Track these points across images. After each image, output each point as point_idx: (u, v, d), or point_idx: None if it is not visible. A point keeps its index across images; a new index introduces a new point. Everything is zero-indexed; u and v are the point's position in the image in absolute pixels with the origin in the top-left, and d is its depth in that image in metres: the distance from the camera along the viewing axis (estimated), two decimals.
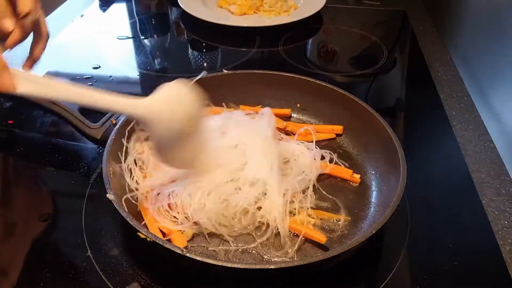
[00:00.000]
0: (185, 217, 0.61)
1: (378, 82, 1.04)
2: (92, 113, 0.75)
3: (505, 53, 0.85)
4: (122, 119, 0.69)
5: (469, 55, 1.02)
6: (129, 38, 1.20)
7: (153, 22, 1.30)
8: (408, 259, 0.61)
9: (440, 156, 0.81)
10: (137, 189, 0.63)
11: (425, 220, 0.67)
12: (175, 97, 0.55)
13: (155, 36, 1.24)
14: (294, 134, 0.77)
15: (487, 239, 0.64)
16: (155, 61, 1.12)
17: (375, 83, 1.04)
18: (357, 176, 0.71)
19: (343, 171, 0.72)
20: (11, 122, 0.86)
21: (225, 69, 0.85)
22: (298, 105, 0.84)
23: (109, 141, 0.65)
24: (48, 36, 0.67)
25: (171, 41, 1.22)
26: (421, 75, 1.04)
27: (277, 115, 0.80)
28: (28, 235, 0.63)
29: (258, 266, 0.51)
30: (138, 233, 0.52)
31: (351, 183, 0.71)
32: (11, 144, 0.80)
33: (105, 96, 0.52)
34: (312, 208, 0.65)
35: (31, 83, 0.48)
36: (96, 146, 0.76)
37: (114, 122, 0.71)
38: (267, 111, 0.76)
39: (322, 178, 0.71)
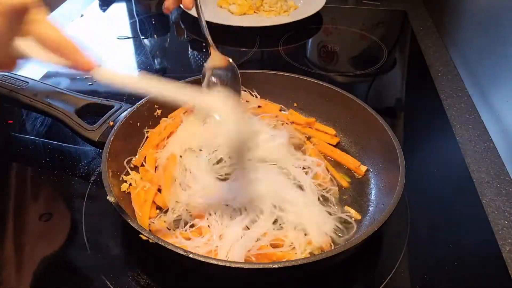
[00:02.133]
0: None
1: (378, 82, 1.04)
2: (89, 115, 0.75)
3: (505, 53, 0.85)
4: (119, 121, 0.69)
5: (469, 55, 1.02)
6: (129, 38, 1.20)
7: (153, 22, 1.30)
8: (408, 259, 0.61)
9: (440, 156, 0.81)
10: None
11: (425, 220, 0.67)
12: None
13: (155, 36, 1.24)
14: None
15: (487, 239, 0.64)
16: (155, 61, 1.12)
17: (375, 83, 1.04)
18: (364, 168, 0.72)
19: (349, 161, 0.73)
20: (11, 122, 0.86)
21: None
22: (295, 104, 0.84)
23: (107, 143, 0.65)
24: None
25: (171, 41, 1.22)
26: (421, 75, 1.04)
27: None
28: (29, 235, 0.63)
29: (260, 266, 0.51)
30: (140, 235, 0.52)
31: (355, 173, 0.72)
32: (12, 145, 0.80)
33: (181, 88, 0.52)
34: None
35: (107, 72, 0.48)
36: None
37: (111, 124, 0.71)
38: None
39: None
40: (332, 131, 0.79)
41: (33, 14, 0.43)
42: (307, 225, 0.59)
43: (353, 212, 0.65)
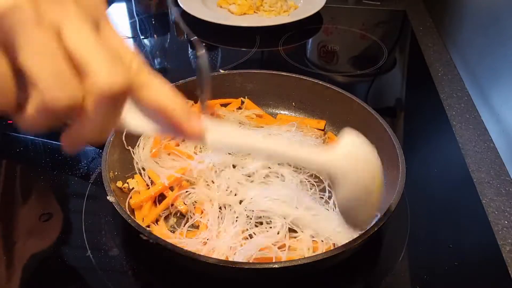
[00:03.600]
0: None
1: (378, 82, 1.04)
2: None
3: (504, 53, 0.85)
4: None
5: (469, 55, 1.02)
6: (129, 38, 1.20)
7: (153, 22, 1.30)
8: (408, 259, 0.61)
9: (440, 156, 0.81)
10: None
11: (425, 220, 0.67)
12: (359, 154, 0.48)
13: (155, 36, 1.24)
14: None
15: (487, 239, 0.64)
16: (155, 61, 1.12)
17: (375, 83, 1.04)
18: None
19: None
20: (11, 122, 0.86)
21: (222, 70, 0.85)
22: (293, 104, 0.84)
23: (107, 143, 0.65)
24: None
25: (171, 41, 1.22)
26: (421, 75, 1.04)
27: None
28: (28, 235, 0.63)
29: (260, 266, 0.51)
30: (140, 235, 0.52)
31: None
32: (12, 145, 0.80)
33: (290, 150, 0.45)
34: None
35: (216, 131, 0.41)
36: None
37: None
38: None
39: None
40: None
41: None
42: (336, 240, 0.58)
43: None
